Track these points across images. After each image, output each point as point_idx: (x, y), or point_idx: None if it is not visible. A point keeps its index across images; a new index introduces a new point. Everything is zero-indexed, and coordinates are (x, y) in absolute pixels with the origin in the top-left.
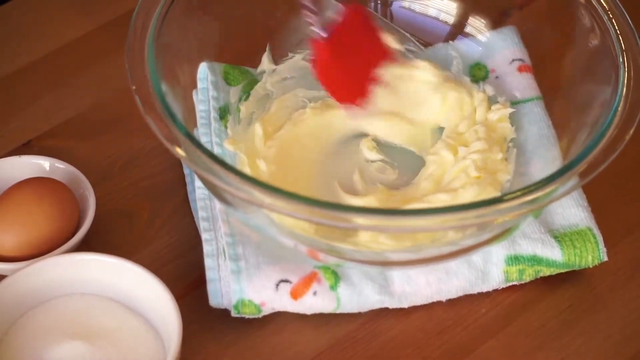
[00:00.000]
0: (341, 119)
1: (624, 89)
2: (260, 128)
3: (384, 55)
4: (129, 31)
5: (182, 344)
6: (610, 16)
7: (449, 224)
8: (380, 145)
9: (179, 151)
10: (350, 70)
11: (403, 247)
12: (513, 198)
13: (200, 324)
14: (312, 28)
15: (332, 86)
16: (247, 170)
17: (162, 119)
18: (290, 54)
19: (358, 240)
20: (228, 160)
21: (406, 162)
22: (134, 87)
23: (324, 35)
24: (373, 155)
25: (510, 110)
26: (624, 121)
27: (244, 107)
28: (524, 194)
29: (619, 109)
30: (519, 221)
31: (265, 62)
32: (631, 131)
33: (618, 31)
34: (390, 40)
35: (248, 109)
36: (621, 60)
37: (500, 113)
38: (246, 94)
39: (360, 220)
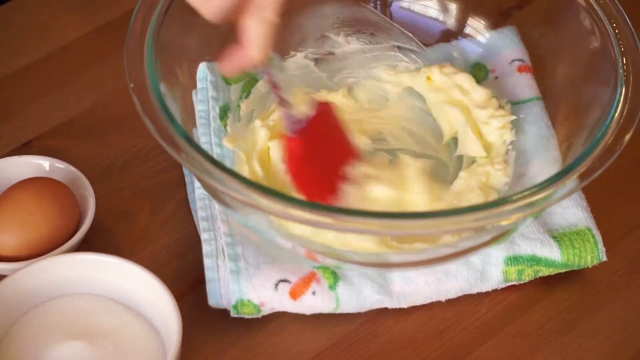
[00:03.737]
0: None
1: (623, 90)
2: (260, 123)
3: (352, 153)
4: (128, 30)
5: (182, 343)
6: (610, 18)
7: (448, 227)
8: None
9: (177, 152)
10: (320, 166)
11: (402, 249)
12: (512, 201)
13: (200, 324)
14: (285, 122)
15: (303, 183)
16: (245, 168)
17: (160, 120)
18: (292, 52)
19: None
20: (227, 159)
21: None
22: (132, 86)
23: (296, 129)
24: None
25: (512, 117)
26: (624, 123)
27: (244, 104)
28: (523, 197)
29: (618, 110)
30: (519, 223)
31: None
32: (630, 133)
33: (618, 33)
34: (357, 139)
35: (248, 106)
36: (621, 62)
37: (504, 120)
38: (247, 92)
39: (358, 223)
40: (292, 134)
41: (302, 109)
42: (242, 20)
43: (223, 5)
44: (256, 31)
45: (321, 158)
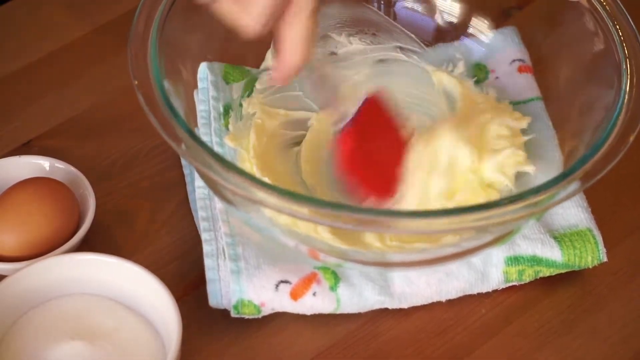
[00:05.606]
0: None
1: (627, 92)
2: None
3: (404, 143)
4: (131, 27)
5: (182, 343)
6: (613, 18)
7: (449, 227)
8: None
9: (181, 148)
10: (376, 159)
11: (403, 248)
12: (515, 202)
13: (200, 324)
14: (335, 122)
15: (361, 176)
16: (247, 166)
17: (164, 116)
18: None
19: (362, 240)
20: (229, 158)
21: None
22: (136, 83)
23: (345, 125)
24: None
25: (528, 119)
26: (626, 125)
27: (246, 103)
28: (526, 198)
29: (622, 112)
30: (521, 224)
31: (269, 58)
32: (634, 134)
33: (621, 35)
34: (406, 126)
35: (250, 105)
36: (624, 64)
37: (525, 122)
38: (248, 90)
39: (359, 220)
40: (341, 130)
41: (347, 105)
42: (281, 28)
43: (262, 12)
44: (296, 36)
45: (375, 151)
